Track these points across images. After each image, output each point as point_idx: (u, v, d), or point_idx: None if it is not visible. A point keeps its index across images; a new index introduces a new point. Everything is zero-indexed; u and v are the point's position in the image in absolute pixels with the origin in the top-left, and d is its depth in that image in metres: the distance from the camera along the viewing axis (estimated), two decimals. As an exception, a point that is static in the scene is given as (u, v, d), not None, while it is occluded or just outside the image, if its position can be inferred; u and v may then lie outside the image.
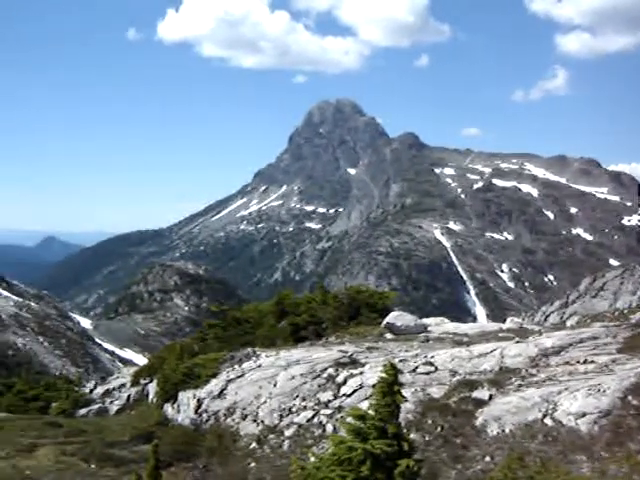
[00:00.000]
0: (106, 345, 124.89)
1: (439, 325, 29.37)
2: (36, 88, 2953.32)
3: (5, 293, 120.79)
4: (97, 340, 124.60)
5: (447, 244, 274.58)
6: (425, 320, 30.12)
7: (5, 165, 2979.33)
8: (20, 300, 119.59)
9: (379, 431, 9.97)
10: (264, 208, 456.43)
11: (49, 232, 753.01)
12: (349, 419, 10.59)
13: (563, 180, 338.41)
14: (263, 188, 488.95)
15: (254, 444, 19.02)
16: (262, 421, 20.03)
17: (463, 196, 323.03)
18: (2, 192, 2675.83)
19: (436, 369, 19.72)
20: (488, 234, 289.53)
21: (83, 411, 32.15)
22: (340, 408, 18.88)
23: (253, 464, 18.05)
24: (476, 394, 17.24)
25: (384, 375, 10.25)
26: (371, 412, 10.27)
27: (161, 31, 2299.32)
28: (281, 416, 19.85)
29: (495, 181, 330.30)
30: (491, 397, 16.93)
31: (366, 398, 18.18)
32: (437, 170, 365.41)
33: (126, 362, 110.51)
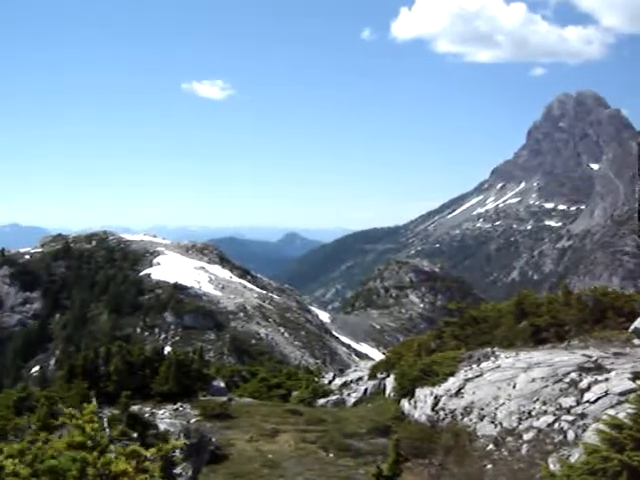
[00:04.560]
0: (343, 338, 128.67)
1: (694, 332, 27.14)
2: (281, 87, 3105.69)
3: (250, 286, 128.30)
4: (334, 333, 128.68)
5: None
6: (678, 327, 27.96)
7: (258, 170, 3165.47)
8: (264, 292, 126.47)
9: (637, 442, 9.33)
10: (501, 205, 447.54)
11: (291, 229, 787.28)
12: (603, 427, 10.00)
13: None
14: (500, 185, 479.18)
15: (491, 445, 18.66)
16: (500, 423, 19.58)
17: None
18: (252, 192, 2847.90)
19: (690, 379, 18.22)
20: None
21: (322, 401, 33.18)
22: (583, 415, 18.00)
23: (490, 466, 17.73)
24: None
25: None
26: (628, 422, 9.64)
27: (395, 30, 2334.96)
28: (520, 419, 19.30)
29: None
30: None
31: (611, 406, 17.24)
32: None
33: (362, 356, 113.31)
